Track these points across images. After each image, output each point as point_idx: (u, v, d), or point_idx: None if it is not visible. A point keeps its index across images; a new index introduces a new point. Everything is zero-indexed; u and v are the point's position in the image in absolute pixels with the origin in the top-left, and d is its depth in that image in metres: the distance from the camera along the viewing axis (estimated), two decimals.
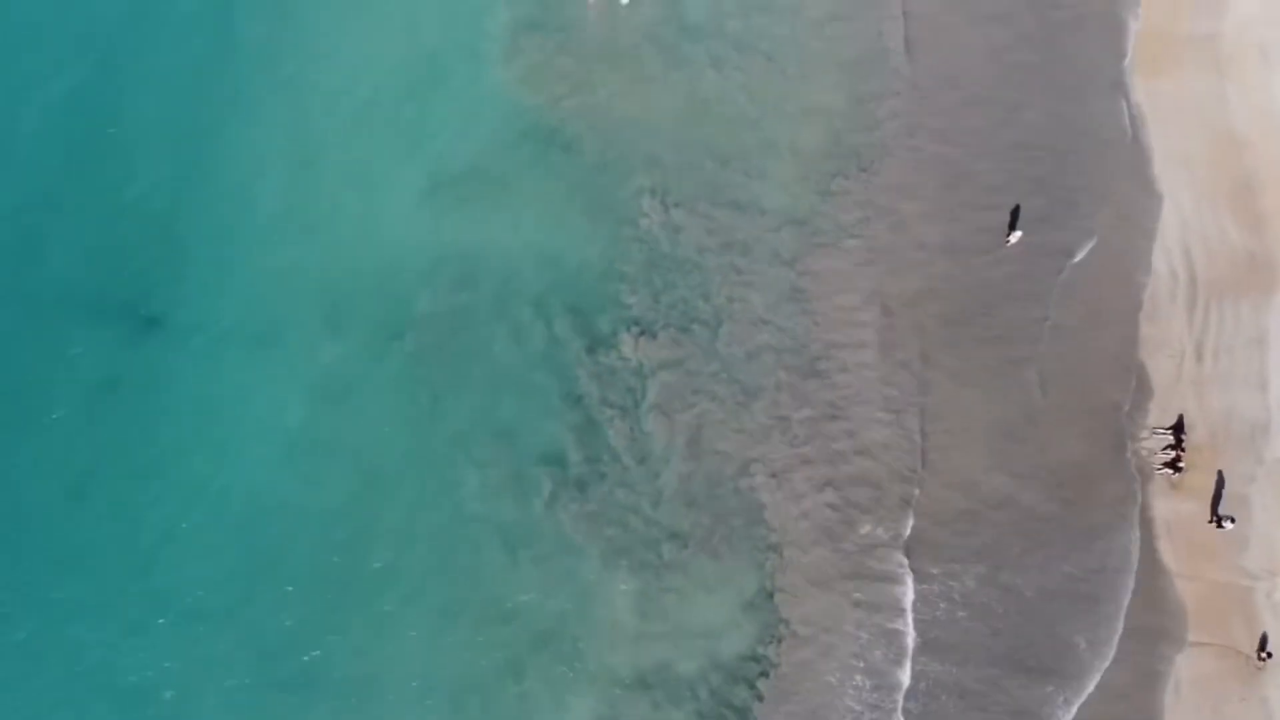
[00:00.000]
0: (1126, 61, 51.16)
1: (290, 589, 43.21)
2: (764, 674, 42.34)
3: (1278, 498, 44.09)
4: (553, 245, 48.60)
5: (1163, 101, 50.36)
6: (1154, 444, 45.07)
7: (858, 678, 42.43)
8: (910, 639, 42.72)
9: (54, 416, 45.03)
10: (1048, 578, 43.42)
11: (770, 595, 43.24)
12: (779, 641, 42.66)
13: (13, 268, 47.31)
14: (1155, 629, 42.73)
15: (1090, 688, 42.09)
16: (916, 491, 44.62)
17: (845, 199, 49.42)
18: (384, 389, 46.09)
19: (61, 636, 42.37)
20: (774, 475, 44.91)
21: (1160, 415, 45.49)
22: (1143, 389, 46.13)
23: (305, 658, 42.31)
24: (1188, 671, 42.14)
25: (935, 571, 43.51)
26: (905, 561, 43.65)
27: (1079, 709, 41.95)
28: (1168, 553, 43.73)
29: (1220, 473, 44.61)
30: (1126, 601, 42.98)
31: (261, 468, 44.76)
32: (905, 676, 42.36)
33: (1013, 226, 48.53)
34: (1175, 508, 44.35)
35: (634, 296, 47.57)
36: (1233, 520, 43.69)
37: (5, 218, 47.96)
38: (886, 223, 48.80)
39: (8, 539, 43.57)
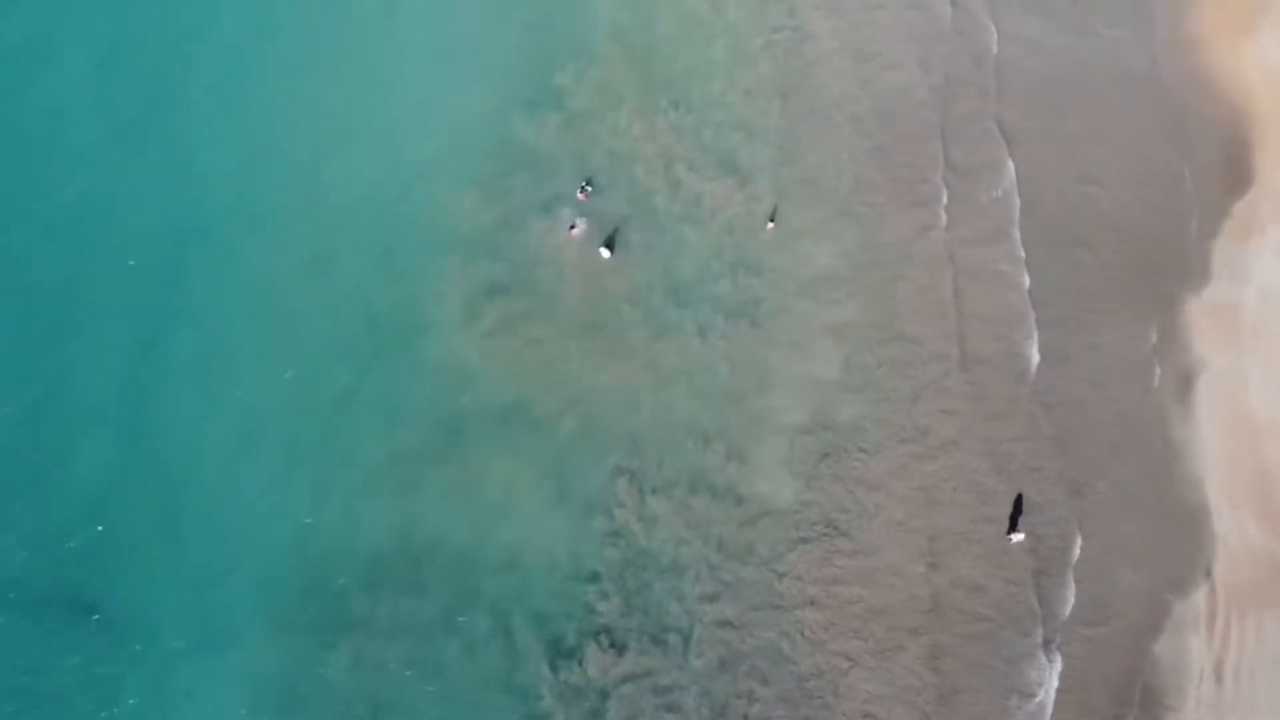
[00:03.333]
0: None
1: None
2: None
3: None
4: (516, 539, 45.14)
5: None
6: None
7: None
8: None
9: None
10: None
11: None
12: None
13: None
14: None
15: None
16: None
17: (833, 487, 45.98)
18: (318, 706, 42.77)
19: None
20: None
21: None
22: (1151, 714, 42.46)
23: None
24: None
25: None
26: None
27: None
28: None
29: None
30: None
31: None
32: None
33: (1014, 525, 44.98)
34: None
35: (605, 602, 44.10)
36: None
37: None
38: (875, 520, 45.28)
39: None
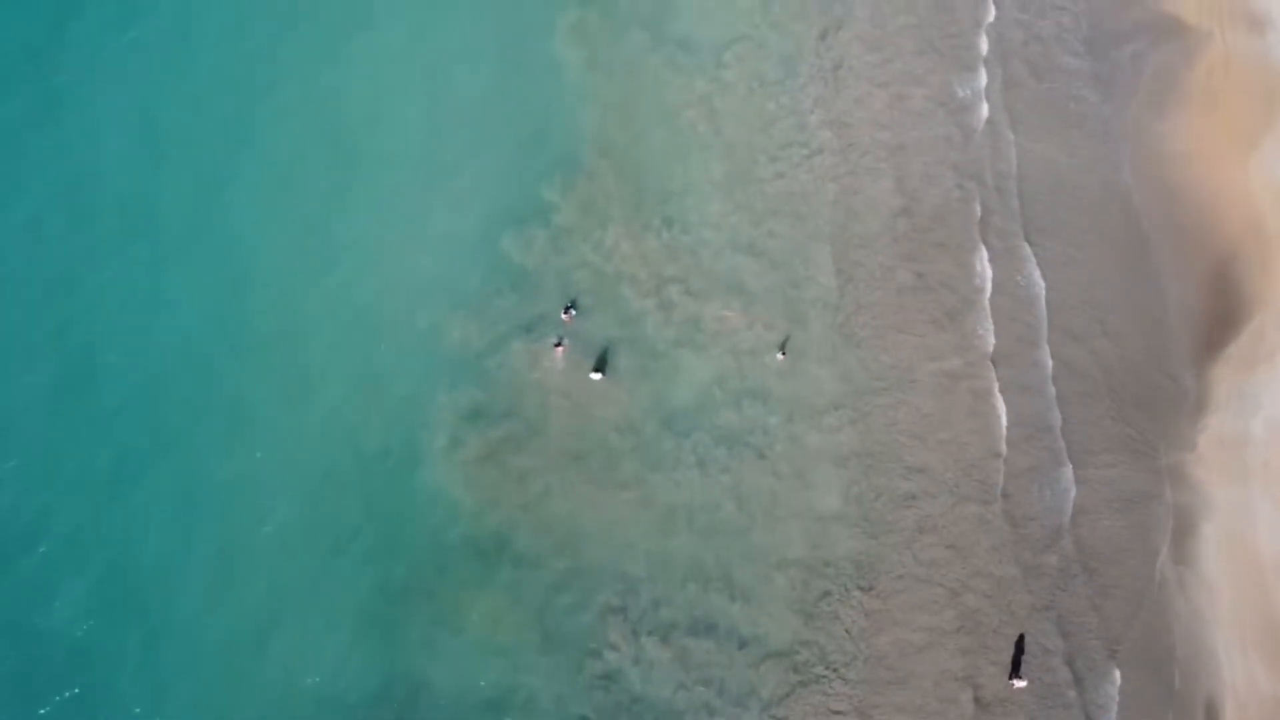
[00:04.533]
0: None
1: None
2: None
3: None
4: (502, 682, 43.18)
5: None
6: None
7: None
8: None
9: None
10: None
11: None
12: None
13: None
14: None
15: None
16: None
17: (834, 626, 44.50)
18: None
19: None
20: None
21: None
22: None
23: None
24: None
25: None
26: None
27: None
28: None
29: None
30: None
31: None
32: None
33: (1016, 669, 43.62)
34: None
35: None
36: None
37: None
38: (880, 665, 43.84)
39: None
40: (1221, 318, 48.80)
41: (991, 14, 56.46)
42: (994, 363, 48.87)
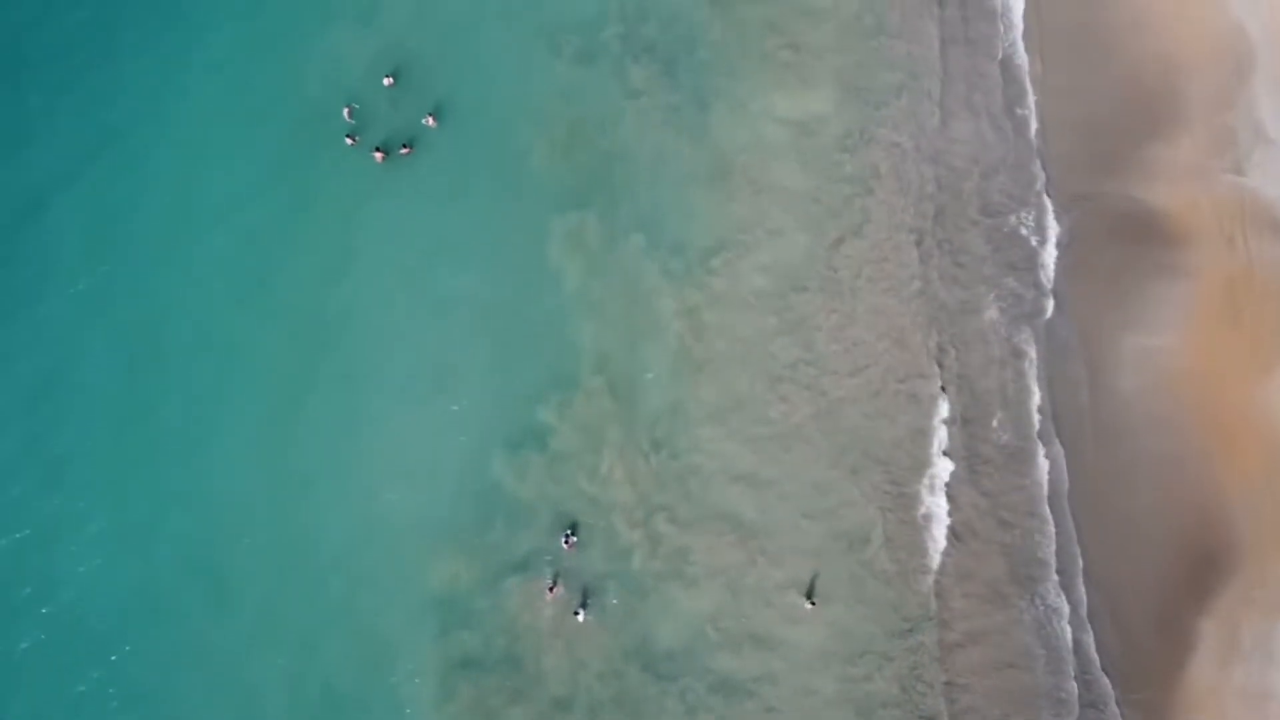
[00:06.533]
0: None
1: None
2: None
3: None
4: None
5: None
6: None
7: None
8: None
9: None
10: None
11: None
12: None
13: None
14: None
15: None
16: None
17: None
18: None
19: None
20: None
21: None
22: None
23: None
24: None
25: None
26: None
27: None
28: None
29: None
30: None
31: None
32: None
33: None
34: None
35: None
36: None
37: None
38: None
39: None
40: (1248, 558, 46.16)
41: None
42: None
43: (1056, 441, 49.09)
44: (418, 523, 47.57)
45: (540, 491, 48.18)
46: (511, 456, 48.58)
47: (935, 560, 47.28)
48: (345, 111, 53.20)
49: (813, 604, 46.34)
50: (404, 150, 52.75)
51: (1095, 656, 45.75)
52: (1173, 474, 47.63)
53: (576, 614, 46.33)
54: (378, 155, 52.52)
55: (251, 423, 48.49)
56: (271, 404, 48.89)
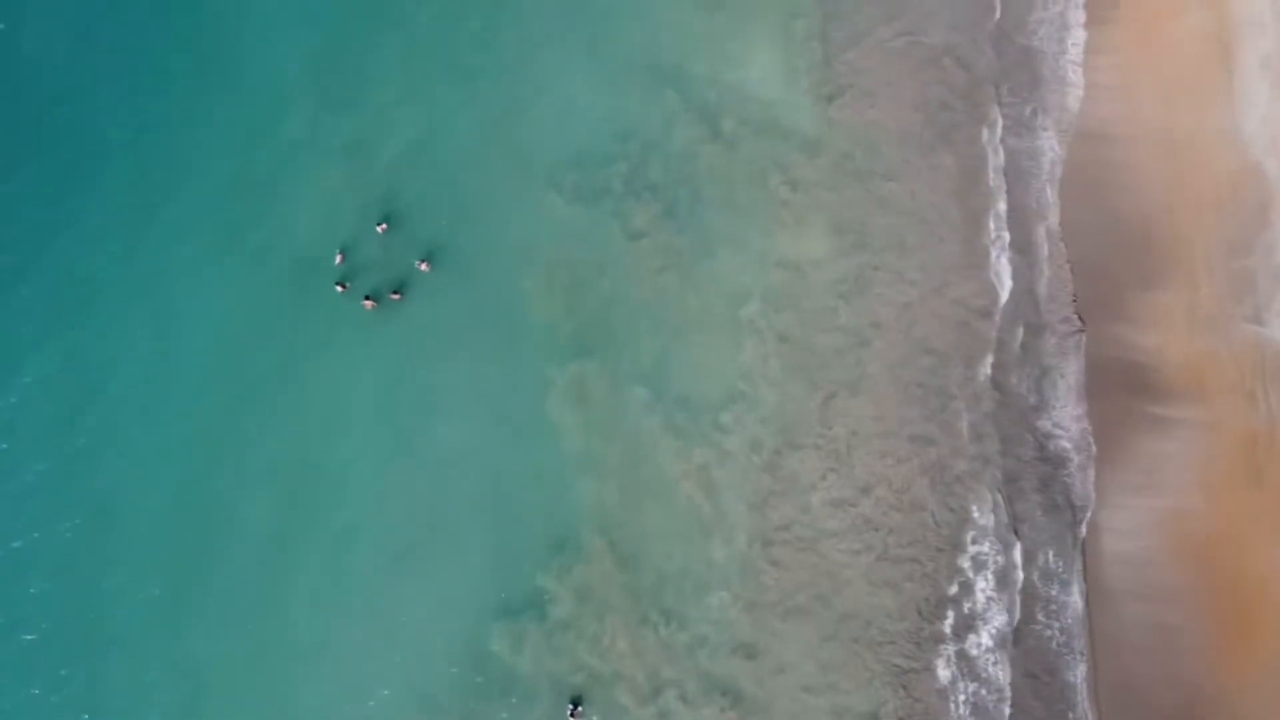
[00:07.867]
0: None
1: None
2: None
3: None
4: None
5: None
6: None
7: None
8: None
9: None
10: None
11: None
12: None
13: None
14: None
15: None
16: None
17: None
18: None
19: None
20: None
21: None
22: None
23: None
24: None
25: None
26: None
27: None
28: None
29: None
30: None
31: None
32: None
33: None
34: None
35: None
36: None
37: None
38: None
39: None
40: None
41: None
42: None
43: None
44: (403, 700, 45.92)
45: (540, 666, 46.64)
46: (511, 625, 47.10)
47: None
48: (337, 257, 51.27)
49: None
50: (394, 296, 50.87)
51: None
52: (1178, 648, 46.03)
53: None
54: (368, 303, 50.65)
55: (232, 596, 46.84)
56: (255, 574, 47.31)
